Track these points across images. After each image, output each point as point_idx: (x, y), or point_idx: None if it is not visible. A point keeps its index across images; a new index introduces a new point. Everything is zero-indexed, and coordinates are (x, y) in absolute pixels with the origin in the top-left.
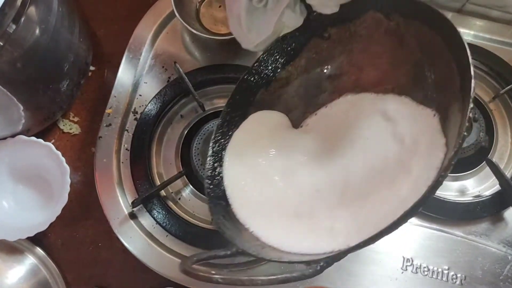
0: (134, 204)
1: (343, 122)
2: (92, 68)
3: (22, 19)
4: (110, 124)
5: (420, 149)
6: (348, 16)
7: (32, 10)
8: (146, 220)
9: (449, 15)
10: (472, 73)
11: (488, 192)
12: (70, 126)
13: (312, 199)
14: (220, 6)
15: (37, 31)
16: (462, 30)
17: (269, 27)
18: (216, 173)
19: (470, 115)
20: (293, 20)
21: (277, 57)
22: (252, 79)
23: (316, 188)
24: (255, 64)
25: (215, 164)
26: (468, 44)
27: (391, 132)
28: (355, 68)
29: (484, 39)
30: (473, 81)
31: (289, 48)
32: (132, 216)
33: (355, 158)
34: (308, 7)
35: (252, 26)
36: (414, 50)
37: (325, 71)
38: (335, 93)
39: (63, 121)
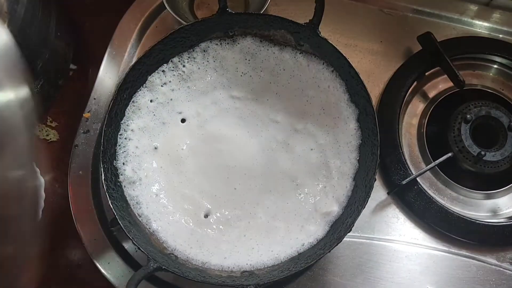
0: (112, 223)
1: None
2: (73, 67)
3: None
4: (88, 131)
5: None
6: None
7: None
8: (128, 243)
9: (475, 8)
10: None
11: None
12: (47, 132)
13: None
14: None
15: None
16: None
17: None
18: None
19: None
20: None
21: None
22: None
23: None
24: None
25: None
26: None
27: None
28: None
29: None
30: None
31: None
32: (111, 238)
33: None
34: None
35: None
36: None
37: None
38: None
39: (39, 126)
